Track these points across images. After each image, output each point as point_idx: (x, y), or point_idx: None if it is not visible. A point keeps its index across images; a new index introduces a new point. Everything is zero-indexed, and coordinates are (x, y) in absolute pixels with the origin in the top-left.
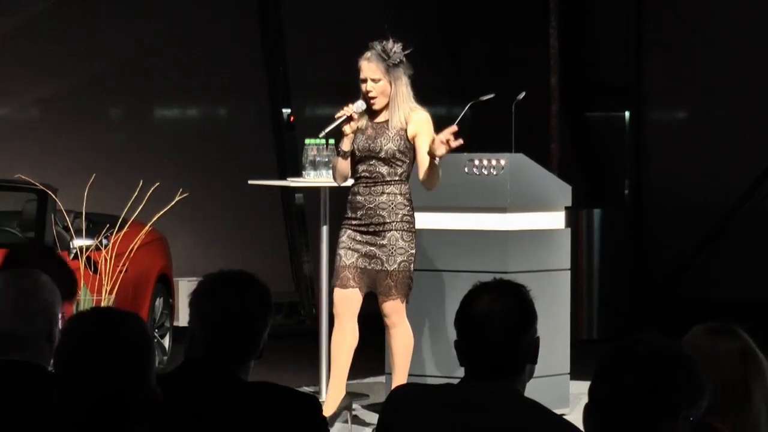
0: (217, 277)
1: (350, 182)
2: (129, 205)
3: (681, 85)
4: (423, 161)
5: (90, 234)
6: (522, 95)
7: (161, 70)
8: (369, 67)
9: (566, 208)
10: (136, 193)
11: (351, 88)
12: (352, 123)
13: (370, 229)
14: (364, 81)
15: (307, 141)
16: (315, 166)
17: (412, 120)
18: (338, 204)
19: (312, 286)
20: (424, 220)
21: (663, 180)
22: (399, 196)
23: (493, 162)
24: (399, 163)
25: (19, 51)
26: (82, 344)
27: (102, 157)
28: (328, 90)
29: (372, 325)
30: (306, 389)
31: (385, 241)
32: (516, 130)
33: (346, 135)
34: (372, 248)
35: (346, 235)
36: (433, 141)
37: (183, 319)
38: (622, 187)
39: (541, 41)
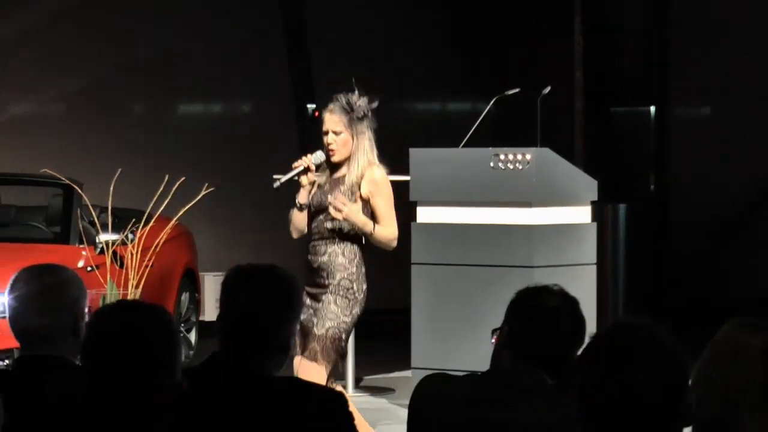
0: (244, 270)
1: None
2: (155, 200)
3: (705, 80)
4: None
5: (116, 229)
6: (547, 90)
7: (186, 65)
8: (331, 119)
9: (592, 203)
10: (161, 188)
11: (374, 83)
12: (309, 174)
13: (314, 292)
14: (326, 133)
15: None
16: None
17: (366, 178)
18: None
19: None
20: (450, 215)
21: (687, 175)
22: (340, 257)
23: (519, 156)
24: (347, 222)
25: (44, 47)
26: (107, 337)
27: (127, 152)
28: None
29: (396, 320)
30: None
31: (319, 305)
32: (541, 126)
33: (303, 186)
34: (312, 311)
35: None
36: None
37: (209, 313)
38: (647, 182)
39: (566, 36)
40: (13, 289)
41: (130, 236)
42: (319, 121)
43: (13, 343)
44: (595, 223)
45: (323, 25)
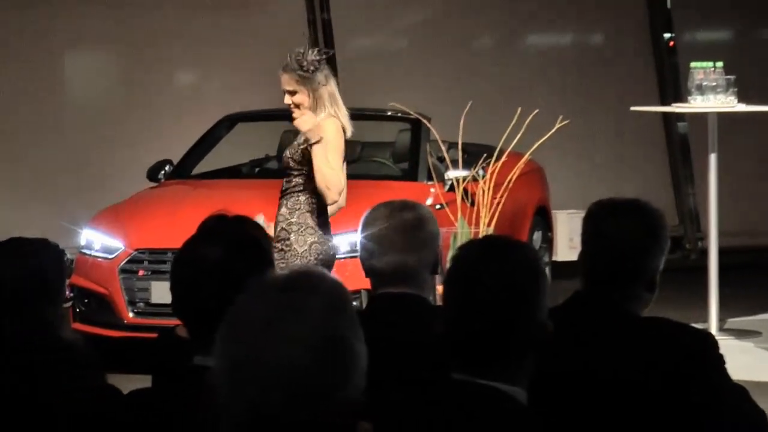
0: (607, 203)
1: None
2: (506, 134)
3: None
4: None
5: (466, 164)
6: None
7: None
8: (284, 79)
9: None
10: (513, 122)
11: (734, 10)
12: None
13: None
14: (284, 93)
15: (692, 64)
16: (702, 90)
17: (318, 128)
18: (727, 131)
19: (697, 220)
20: None
21: None
22: (283, 207)
23: None
24: (294, 173)
25: None
26: (472, 272)
27: (477, 85)
28: (710, 13)
29: (762, 260)
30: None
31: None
32: None
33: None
34: None
35: None
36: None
37: (561, 253)
38: None
39: None
40: (367, 227)
41: (481, 172)
42: (677, 49)
43: (361, 284)
44: None
45: None
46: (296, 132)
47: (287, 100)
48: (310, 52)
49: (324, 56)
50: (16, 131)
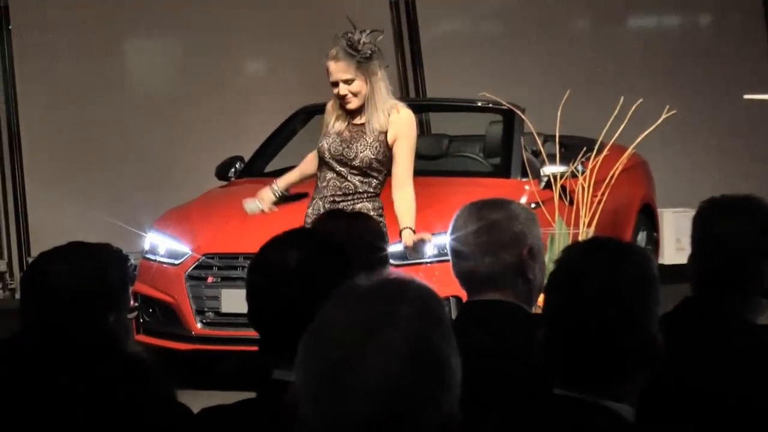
0: (719, 201)
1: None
2: (608, 125)
3: None
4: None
5: (564, 159)
6: None
7: None
8: (338, 68)
9: None
10: (615, 112)
11: None
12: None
13: None
14: (335, 84)
15: None
16: None
17: (392, 120)
18: None
19: None
20: None
21: None
22: (372, 212)
23: None
24: (374, 173)
25: None
26: (573, 276)
27: (575, 72)
28: None
29: None
30: None
31: None
32: None
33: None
34: None
35: None
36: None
37: (668, 255)
38: None
39: None
40: (454, 229)
41: (580, 168)
42: None
43: (450, 291)
44: None
45: None
46: (351, 124)
47: (343, 89)
48: (360, 34)
49: (378, 38)
50: (76, 128)
